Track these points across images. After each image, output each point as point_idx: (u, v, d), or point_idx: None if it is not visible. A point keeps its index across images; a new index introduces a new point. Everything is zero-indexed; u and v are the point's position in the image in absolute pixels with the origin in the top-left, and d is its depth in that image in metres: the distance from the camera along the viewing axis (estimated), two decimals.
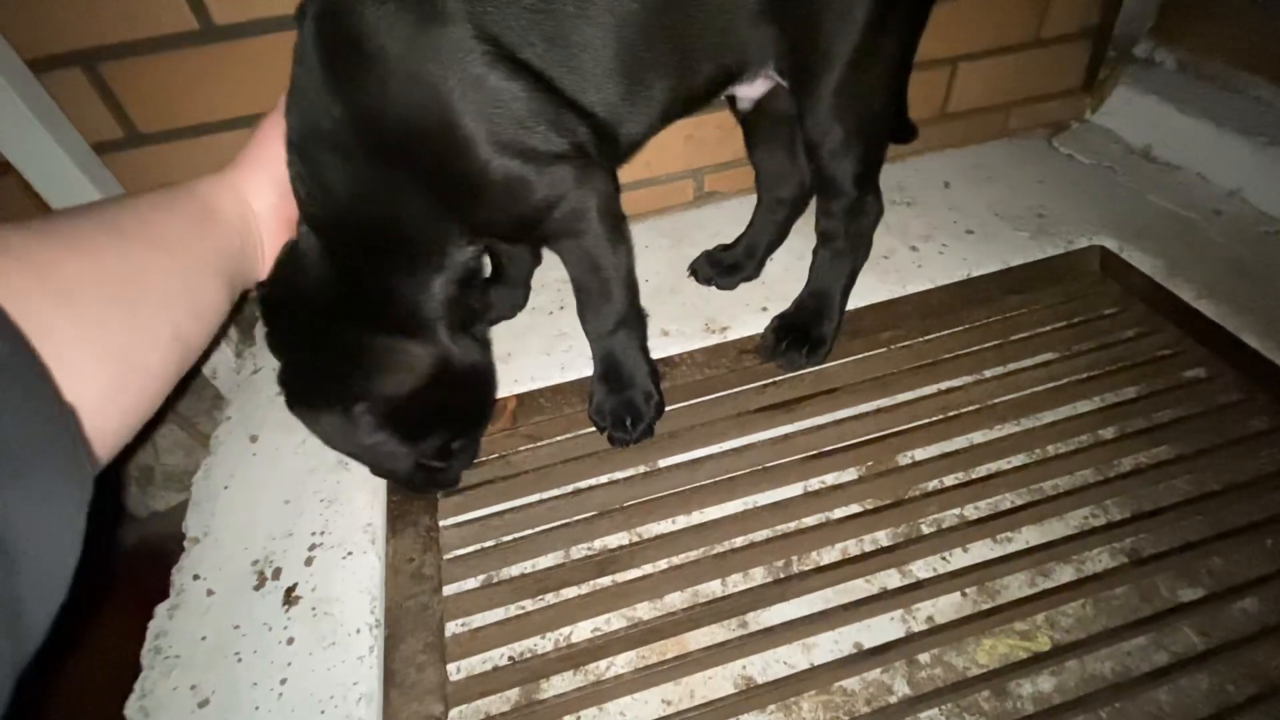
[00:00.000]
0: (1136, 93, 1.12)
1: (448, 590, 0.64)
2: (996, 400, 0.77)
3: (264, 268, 0.58)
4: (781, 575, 0.65)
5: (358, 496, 0.71)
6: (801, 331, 0.80)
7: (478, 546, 0.68)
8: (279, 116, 0.56)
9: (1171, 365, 0.78)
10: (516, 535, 0.69)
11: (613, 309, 0.68)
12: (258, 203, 0.56)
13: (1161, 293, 0.85)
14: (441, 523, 0.69)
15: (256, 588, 0.63)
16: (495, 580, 0.66)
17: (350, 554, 0.65)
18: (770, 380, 0.81)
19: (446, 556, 0.66)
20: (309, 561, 0.65)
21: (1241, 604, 0.59)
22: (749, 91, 0.76)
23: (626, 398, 0.72)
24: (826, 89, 0.64)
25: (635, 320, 0.70)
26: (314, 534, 0.68)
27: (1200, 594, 0.60)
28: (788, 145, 0.84)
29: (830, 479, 0.72)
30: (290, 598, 0.62)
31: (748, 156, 0.89)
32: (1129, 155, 1.10)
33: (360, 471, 0.71)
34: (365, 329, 0.57)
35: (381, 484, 0.71)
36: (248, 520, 0.69)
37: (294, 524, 0.69)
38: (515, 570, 0.66)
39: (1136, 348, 0.80)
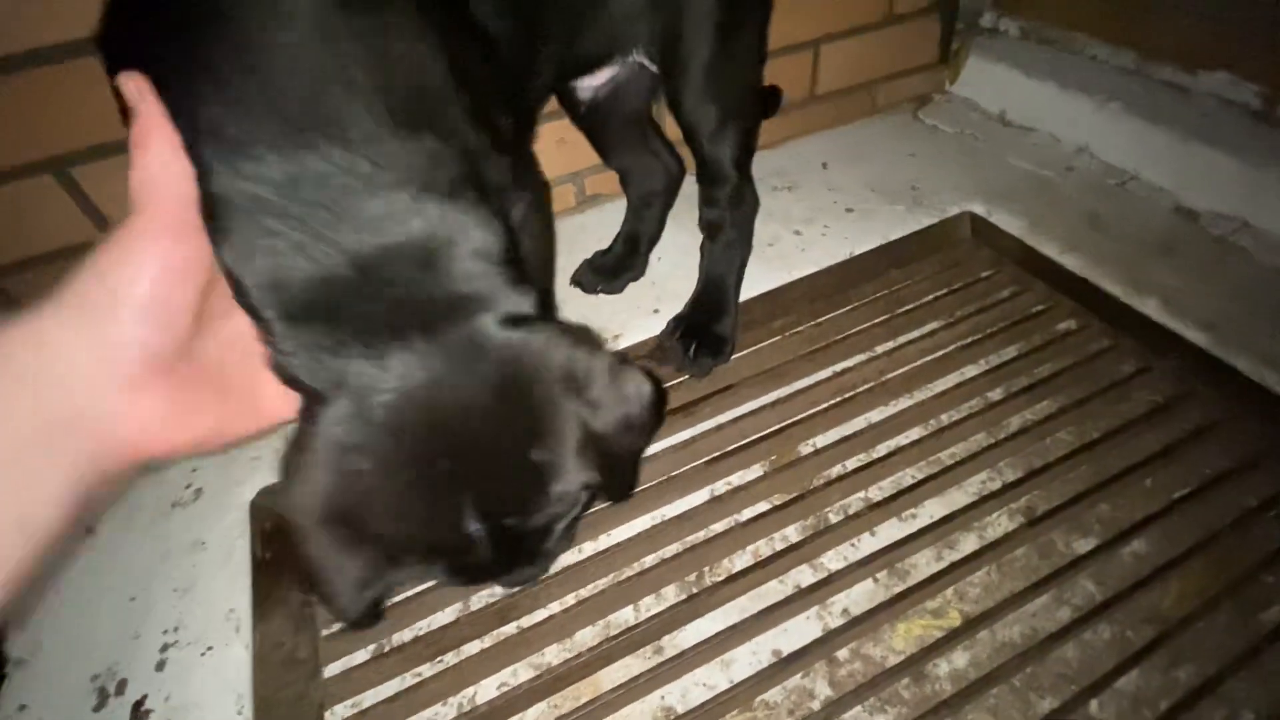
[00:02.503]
0: (987, 61, 1.17)
1: (330, 671, 0.57)
2: (889, 376, 0.77)
3: (129, 440, 0.36)
4: (694, 590, 0.62)
5: (218, 578, 0.62)
6: (704, 332, 0.78)
7: None
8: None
9: (1045, 321, 0.80)
10: (407, 593, 0.62)
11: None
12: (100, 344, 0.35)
13: (1029, 252, 0.88)
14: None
15: (97, 708, 0.54)
16: (386, 649, 0.59)
17: (210, 649, 0.57)
18: (667, 384, 0.78)
19: (326, 632, 0.59)
20: (161, 666, 0.57)
21: (1131, 548, 0.61)
22: (592, 80, 0.74)
23: None
24: (697, 72, 0.65)
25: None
26: (166, 632, 0.59)
27: (1093, 544, 0.61)
28: (641, 139, 0.83)
29: (736, 479, 0.70)
30: (139, 713, 0.54)
31: (604, 160, 0.87)
32: (988, 122, 1.14)
33: (220, 548, 0.63)
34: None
35: (245, 560, 0.63)
36: (85, 628, 0.60)
37: (142, 624, 0.60)
38: (408, 634, 0.60)
39: (1011, 307, 0.82)
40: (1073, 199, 0.96)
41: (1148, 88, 1.00)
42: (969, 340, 0.79)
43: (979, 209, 0.96)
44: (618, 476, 0.46)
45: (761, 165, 1.09)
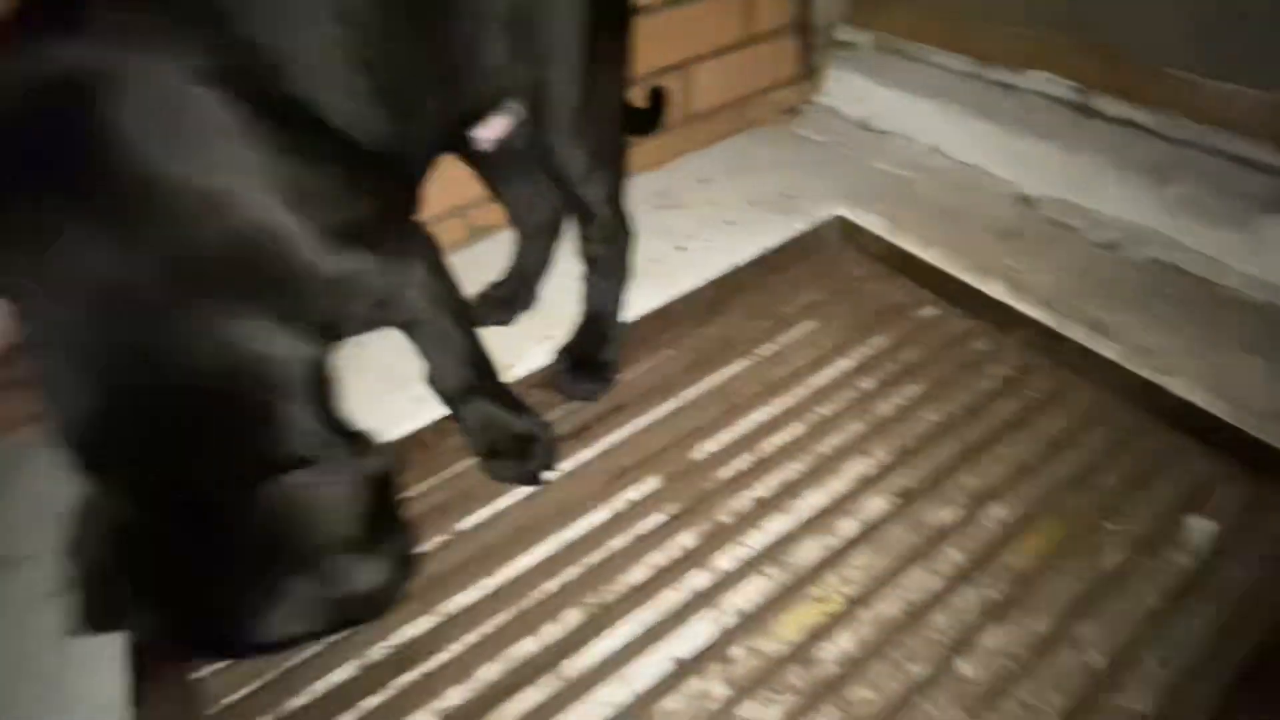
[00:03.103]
0: (846, 73, 1.25)
1: None
2: (771, 378, 0.81)
3: None
4: (595, 611, 0.63)
5: (90, 668, 0.59)
6: (589, 361, 0.80)
7: (257, 684, 0.59)
8: None
9: (909, 312, 0.86)
10: (303, 655, 0.61)
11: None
12: None
13: (891, 249, 0.94)
14: (204, 669, 0.59)
15: None
16: (283, 717, 0.58)
17: None
18: (562, 410, 0.79)
19: (213, 710, 0.57)
20: None
21: (990, 513, 0.66)
22: (489, 132, 0.74)
23: (517, 437, 0.70)
24: (564, 119, 0.68)
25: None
26: None
27: (958, 514, 0.66)
28: (529, 174, 0.84)
29: (634, 495, 0.72)
30: None
31: (493, 196, 0.88)
32: (851, 129, 1.22)
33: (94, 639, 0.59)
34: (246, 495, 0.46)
35: (119, 645, 0.60)
36: None
37: None
38: (303, 698, 0.58)
39: (879, 302, 0.88)
40: (928, 196, 1.03)
41: (983, 88, 1.09)
42: (841, 337, 0.84)
43: (846, 212, 1.03)
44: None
45: (646, 186, 1.14)
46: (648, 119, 0.92)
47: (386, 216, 0.56)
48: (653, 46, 1.08)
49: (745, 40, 1.17)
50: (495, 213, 1.06)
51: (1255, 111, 0.83)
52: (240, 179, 0.45)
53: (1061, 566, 0.61)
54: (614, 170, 0.76)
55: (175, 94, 0.43)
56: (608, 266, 0.80)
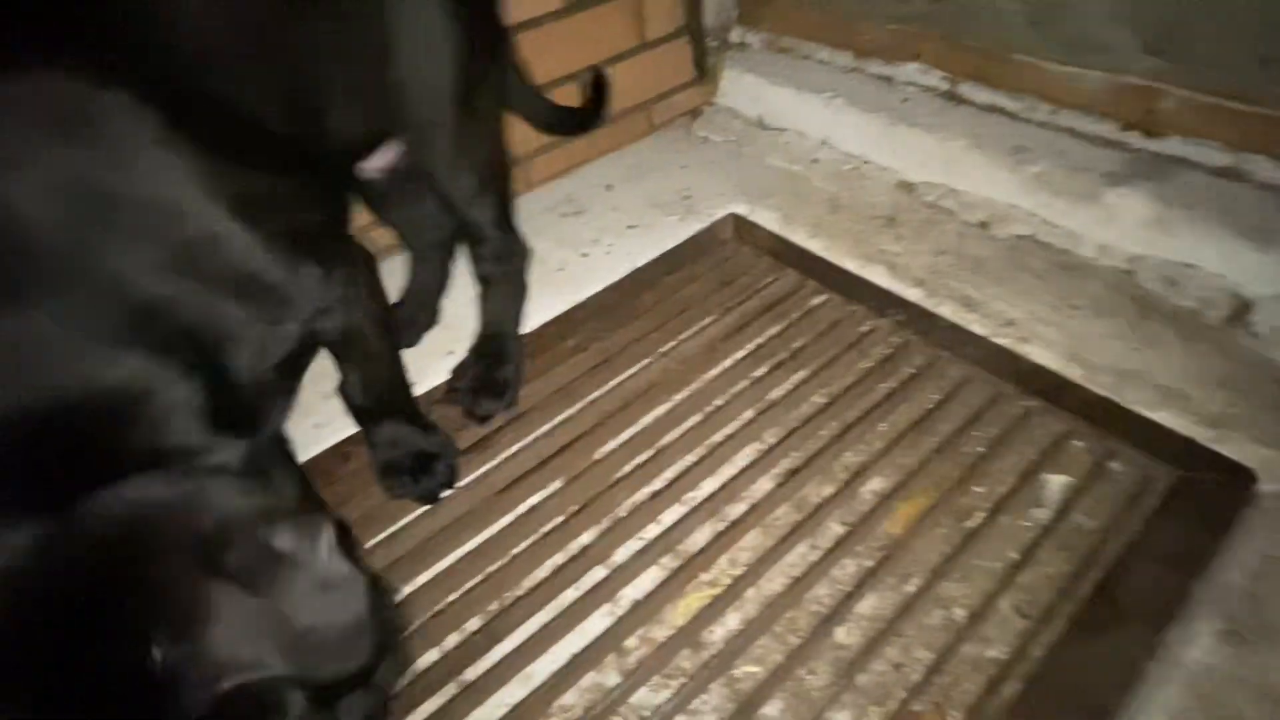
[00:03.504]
0: (739, 73, 1.29)
1: None
2: (668, 374, 0.83)
3: None
4: (495, 615, 0.64)
5: None
6: (487, 378, 0.81)
7: None
8: None
9: (796, 301, 0.90)
10: None
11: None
12: None
13: (782, 242, 0.98)
14: None
15: None
16: None
17: None
18: (464, 424, 0.80)
19: None
20: None
21: (868, 486, 0.70)
22: (376, 163, 0.74)
23: (421, 455, 0.71)
24: (445, 147, 0.69)
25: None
26: None
27: (838, 489, 0.70)
28: (418, 198, 0.84)
29: (535, 499, 0.73)
30: None
31: (380, 220, 0.88)
32: (748, 127, 1.26)
33: None
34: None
35: None
36: None
37: None
38: None
39: (769, 294, 0.92)
40: (818, 188, 1.08)
41: (863, 81, 1.14)
42: (734, 330, 0.87)
43: (742, 209, 1.06)
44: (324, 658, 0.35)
45: (552, 194, 1.16)
46: (591, 113, 0.94)
47: (326, 226, 0.55)
48: (546, 57, 1.10)
49: (639, 47, 1.20)
50: (388, 233, 1.07)
51: (1098, 92, 0.90)
52: (177, 188, 0.41)
53: (931, 531, 0.65)
54: (500, 192, 0.78)
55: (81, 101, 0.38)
56: (503, 286, 0.82)
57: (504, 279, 0.82)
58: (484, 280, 0.82)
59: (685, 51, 1.27)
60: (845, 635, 0.60)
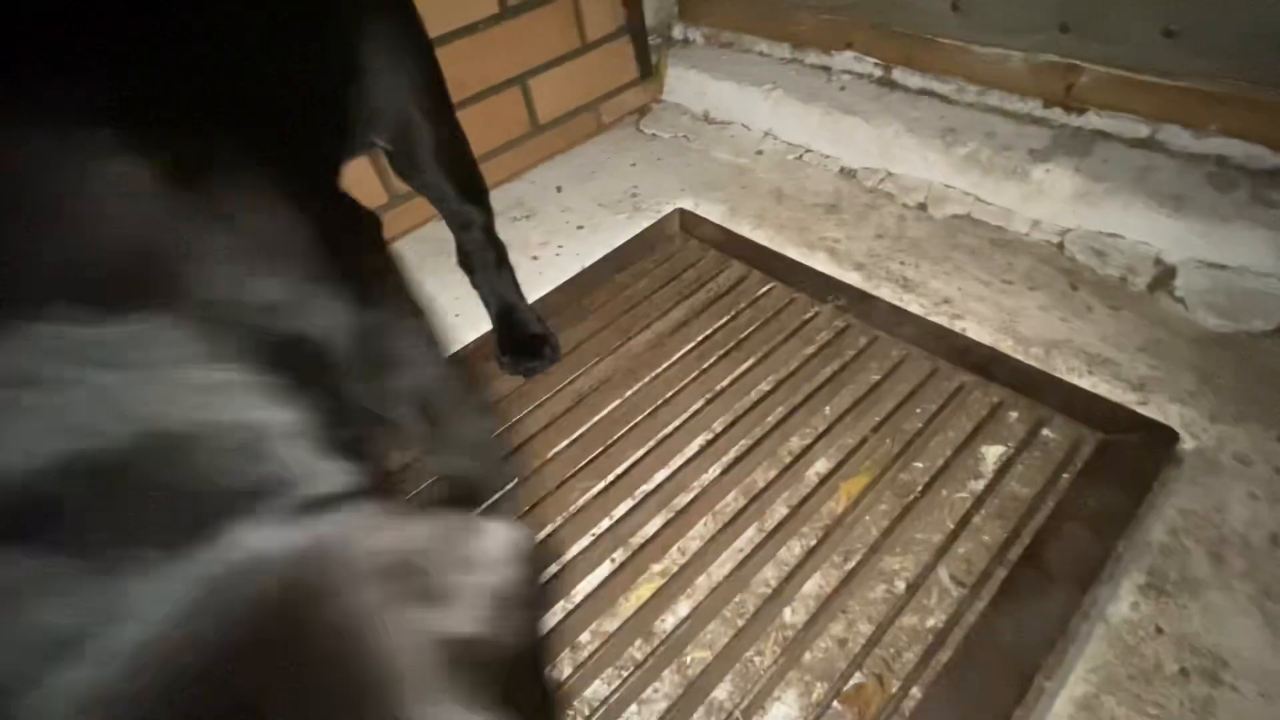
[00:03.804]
0: (684, 69, 1.30)
1: None
2: (618, 371, 0.84)
3: None
4: None
5: None
6: (521, 342, 0.86)
7: None
8: None
9: (742, 291, 0.92)
10: None
11: None
12: None
13: (727, 234, 1.00)
14: None
15: None
16: None
17: None
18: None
19: None
20: None
21: (813, 467, 0.71)
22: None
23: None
24: (432, 147, 0.74)
25: None
26: None
27: (782, 471, 0.71)
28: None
29: (488, 501, 0.74)
30: None
31: None
32: (695, 122, 1.27)
33: None
34: None
35: None
36: None
37: None
38: None
39: (715, 285, 0.93)
40: (762, 179, 1.09)
41: (801, 72, 1.16)
42: (682, 323, 0.88)
43: (689, 204, 1.07)
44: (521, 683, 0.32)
45: (502, 199, 1.16)
46: None
47: None
48: (487, 62, 1.11)
49: (581, 47, 1.21)
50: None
51: (1020, 72, 0.92)
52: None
53: (873, 507, 0.67)
54: (478, 185, 0.82)
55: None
56: (492, 256, 0.85)
57: (490, 248, 0.85)
58: (480, 264, 0.85)
59: (627, 51, 1.28)
60: (791, 615, 0.61)
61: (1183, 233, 0.78)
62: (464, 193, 0.79)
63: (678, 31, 1.35)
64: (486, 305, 0.88)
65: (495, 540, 0.31)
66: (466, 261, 0.86)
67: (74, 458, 0.28)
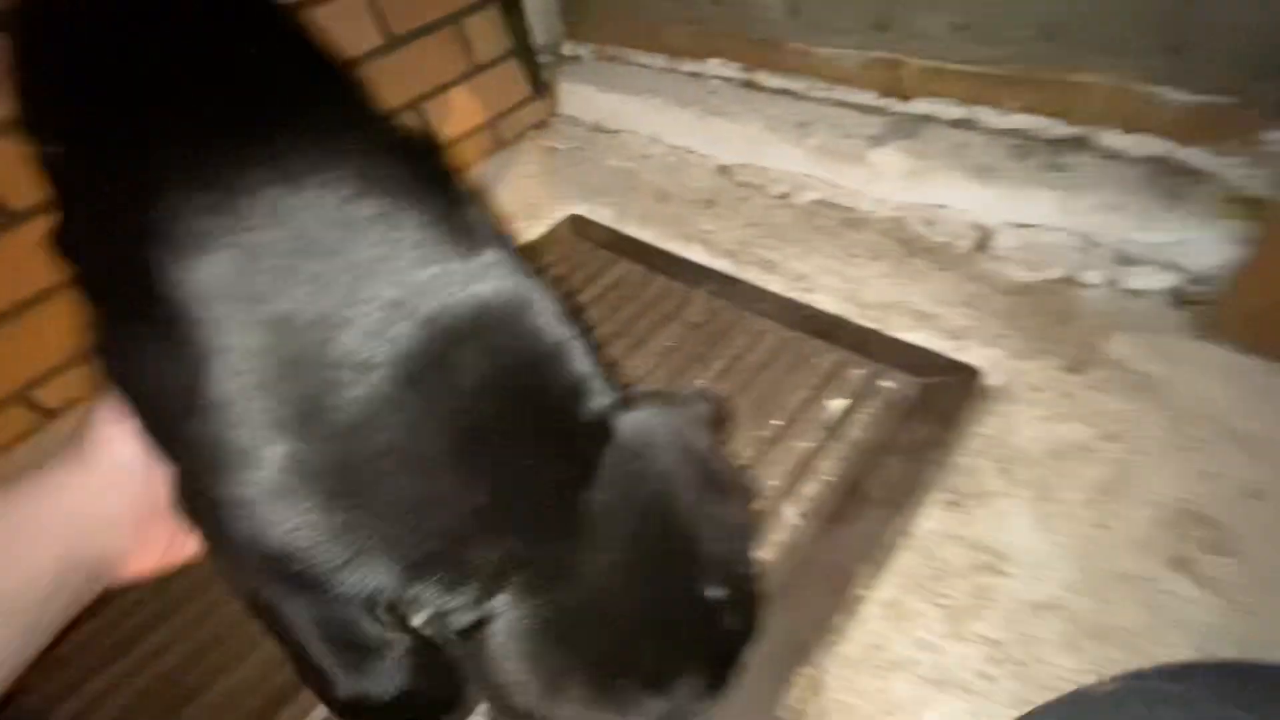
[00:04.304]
0: (574, 84, 1.38)
1: None
2: None
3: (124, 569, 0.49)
4: None
5: None
6: None
7: None
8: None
9: (628, 284, 1.00)
10: None
11: None
12: (107, 505, 0.48)
13: (615, 234, 1.08)
14: None
15: None
16: None
17: None
18: None
19: None
20: None
21: None
22: None
23: None
24: None
25: None
26: None
27: None
28: None
29: None
30: None
31: None
32: (589, 132, 1.36)
33: None
34: None
35: None
36: None
37: None
38: None
39: (604, 283, 1.01)
40: (648, 181, 1.18)
41: (678, 80, 1.25)
42: (570, 317, 0.96)
43: (583, 209, 1.16)
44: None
45: None
46: None
47: None
48: (380, 91, 1.17)
49: (470, 71, 1.28)
50: None
51: (855, 67, 1.03)
52: None
53: (734, 458, 0.76)
54: None
55: None
56: None
57: None
58: None
59: (517, 71, 1.35)
60: None
61: (993, 199, 0.89)
62: None
63: (567, 49, 1.43)
64: None
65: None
66: None
67: None
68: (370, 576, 0.35)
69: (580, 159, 1.29)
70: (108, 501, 0.48)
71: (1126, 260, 0.81)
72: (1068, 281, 0.83)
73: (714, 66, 1.21)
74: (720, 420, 0.51)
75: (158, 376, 0.39)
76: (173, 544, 0.52)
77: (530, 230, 1.13)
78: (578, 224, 1.13)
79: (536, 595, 0.37)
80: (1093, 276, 0.82)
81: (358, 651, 0.39)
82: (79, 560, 0.46)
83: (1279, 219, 0.65)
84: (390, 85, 1.17)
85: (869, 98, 1.03)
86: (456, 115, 1.29)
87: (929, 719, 0.52)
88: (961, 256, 0.90)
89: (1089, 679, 0.47)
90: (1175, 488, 0.62)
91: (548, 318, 0.43)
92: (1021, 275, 0.85)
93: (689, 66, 1.25)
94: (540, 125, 1.42)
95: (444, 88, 1.25)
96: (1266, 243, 0.66)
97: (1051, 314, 0.80)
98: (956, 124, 0.96)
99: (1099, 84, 0.82)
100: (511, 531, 0.37)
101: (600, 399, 0.43)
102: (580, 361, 0.44)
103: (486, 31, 1.28)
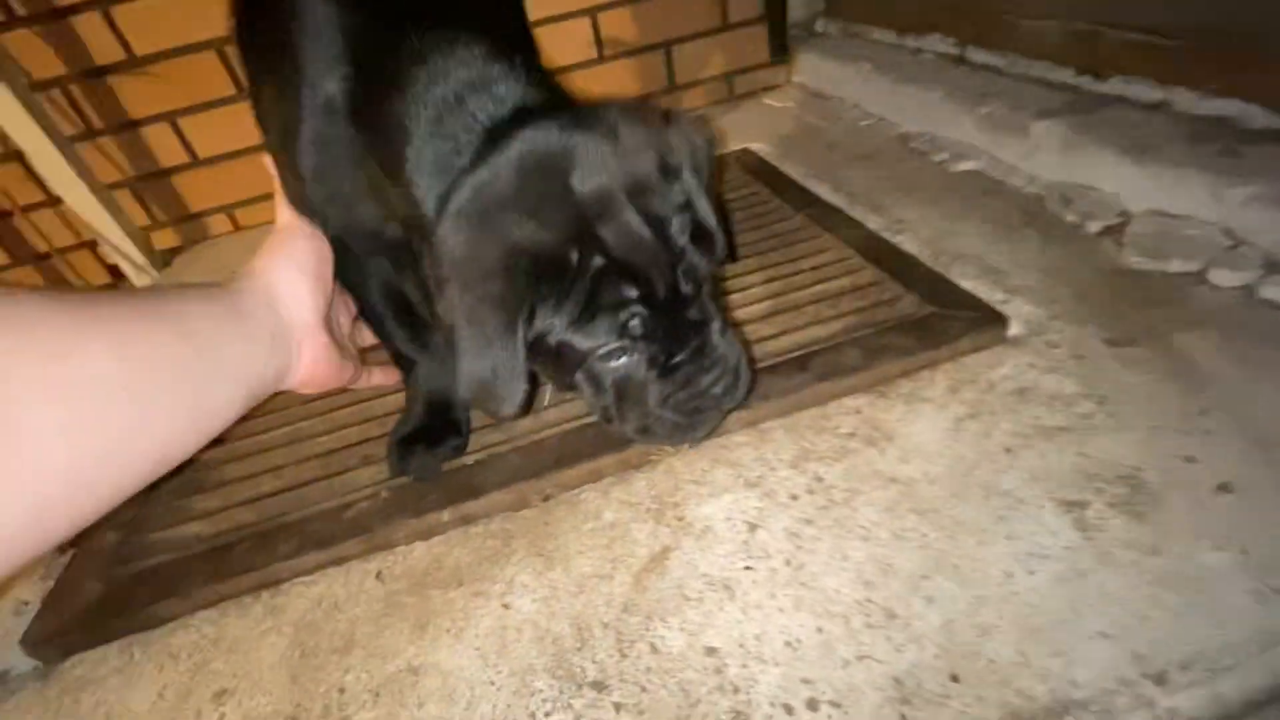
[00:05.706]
0: (810, 54, 1.51)
1: None
2: None
3: (297, 376, 0.53)
4: None
5: None
6: None
7: None
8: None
9: (748, 200, 1.11)
10: None
11: None
12: (294, 310, 0.53)
13: (766, 165, 1.20)
14: None
15: None
16: None
17: None
18: None
19: None
20: None
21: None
22: None
23: None
24: None
25: None
26: None
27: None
28: None
29: None
30: None
31: None
32: (808, 97, 1.47)
33: None
34: None
35: None
36: None
37: None
38: None
39: (733, 195, 1.15)
40: (828, 136, 1.26)
41: (894, 53, 1.30)
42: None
43: (756, 147, 1.29)
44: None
45: None
46: None
47: None
48: (631, 26, 1.45)
49: (720, 27, 1.49)
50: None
51: (1058, 40, 0.97)
52: None
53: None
54: None
55: None
56: None
57: None
58: None
59: (762, 35, 1.52)
60: None
61: (1144, 181, 0.79)
62: None
63: (820, 25, 1.56)
64: None
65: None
66: None
67: None
68: None
69: (785, 115, 1.42)
70: (299, 299, 0.53)
71: (1276, 267, 0.67)
72: (1189, 276, 0.71)
73: (932, 41, 1.23)
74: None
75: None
76: (341, 368, 0.57)
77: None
78: (744, 155, 1.27)
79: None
80: (1225, 277, 0.69)
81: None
82: (276, 348, 0.51)
83: None
84: (652, 25, 1.45)
85: (1065, 74, 0.97)
86: (699, 62, 1.52)
87: (723, 500, 0.58)
88: (1081, 236, 0.82)
89: (884, 535, 0.50)
90: (1132, 455, 0.54)
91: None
92: (1137, 262, 0.75)
93: (912, 42, 1.29)
94: (770, 88, 1.57)
95: (693, 36, 1.49)
96: None
97: (1138, 298, 0.70)
98: (1141, 105, 0.86)
99: None
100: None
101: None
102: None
103: None
